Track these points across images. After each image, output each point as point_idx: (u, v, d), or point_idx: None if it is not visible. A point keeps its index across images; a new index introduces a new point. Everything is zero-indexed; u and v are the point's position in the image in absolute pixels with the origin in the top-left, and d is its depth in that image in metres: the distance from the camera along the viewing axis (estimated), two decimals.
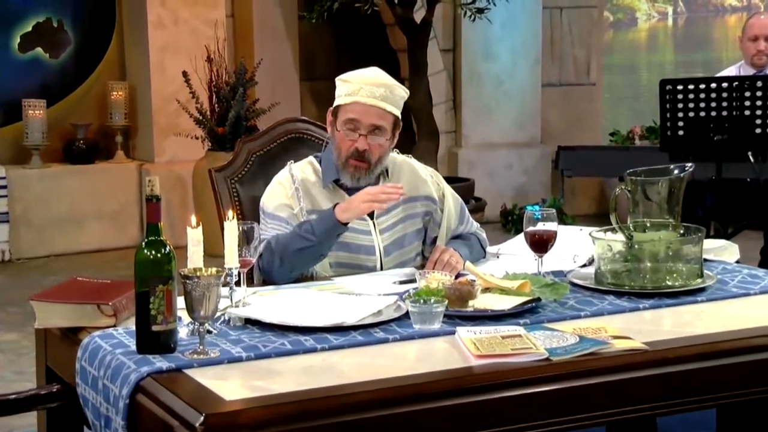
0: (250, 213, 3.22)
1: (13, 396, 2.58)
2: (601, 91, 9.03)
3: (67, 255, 7.36)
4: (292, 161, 3.14)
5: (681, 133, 5.12)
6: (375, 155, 3.02)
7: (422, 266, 3.05)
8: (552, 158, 8.63)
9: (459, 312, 2.47)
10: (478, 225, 3.31)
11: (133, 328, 2.28)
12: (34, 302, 2.53)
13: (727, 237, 4.92)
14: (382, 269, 3.05)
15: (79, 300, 2.49)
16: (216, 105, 7.17)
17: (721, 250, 3.14)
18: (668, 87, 5.12)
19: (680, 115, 5.11)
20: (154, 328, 2.22)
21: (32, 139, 7.42)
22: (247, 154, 3.36)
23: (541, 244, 2.81)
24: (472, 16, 6.92)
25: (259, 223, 2.84)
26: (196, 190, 7.10)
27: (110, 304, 2.46)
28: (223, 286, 2.33)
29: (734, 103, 5.03)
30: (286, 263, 2.93)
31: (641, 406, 2.23)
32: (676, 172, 2.80)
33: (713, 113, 5.06)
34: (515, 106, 8.58)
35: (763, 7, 9.26)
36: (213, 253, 2.51)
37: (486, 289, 2.60)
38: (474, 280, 2.60)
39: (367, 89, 3.00)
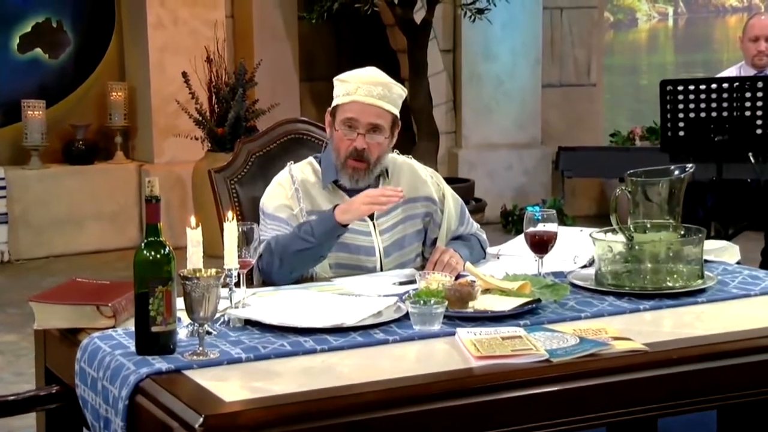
0: (249, 214, 3.21)
1: (12, 397, 2.57)
2: (601, 91, 9.03)
3: (67, 256, 7.36)
4: (292, 162, 3.13)
5: (681, 133, 5.12)
6: (374, 154, 3.02)
7: (422, 267, 3.05)
8: (552, 159, 8.63)
9: (459, 313, 2.47)
10: (479, 226, 3.30)
11: (133, 329, 2.28)
12: (33, 303, 2.52)
13: (728, 238, 4.92)
14: (382, 270, 3.05)
15: (79, 301, 2.49)
16: (215, 105, 7.17)
17: (722, 251, 3.14)
18: (669, 88, 5.12)
19: (681, 115, 5.11)
20: (154, 329, 2.22)
21: (31, 139, 7.42)
22: (247, 154, 3.36)
23: (541, 245, 2.80)
24: (472, 17, 6.92)
25: (258, 224, 2.84)
26: (195, 190, 7.10)
27: (109, 305, 2.46)
28: (223, 287, 2.32)
29: (735, 104, 5.03)
30: (286, 264, 2.93)
31: (641, 408, 2.23)
32: (676, 172, 2.80)
33: (714, 114, 5.06)
34: (515, 106, 8.58)
35: (764, 8, 9.26)
36: (212, 254, 2.51)
37: (486, 290, 2.60)
38: (474, 281, 2.59)
39: (364, 88, 2.99)
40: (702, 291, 2.70)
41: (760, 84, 5.03)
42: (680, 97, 5.09)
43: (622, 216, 2.80)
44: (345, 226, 2.91)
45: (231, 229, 2.50)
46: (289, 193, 3.05)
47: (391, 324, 2.44)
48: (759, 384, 2.33)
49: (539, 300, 2.56)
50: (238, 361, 2.20)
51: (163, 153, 7.66)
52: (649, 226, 2.77)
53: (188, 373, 2.14)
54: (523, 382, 2.13)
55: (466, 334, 2.31)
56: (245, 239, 2.60)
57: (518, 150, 8.58)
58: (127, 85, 7.79)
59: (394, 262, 3.08)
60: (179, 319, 2.29)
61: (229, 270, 2.46)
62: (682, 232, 2.78)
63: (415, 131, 7.07)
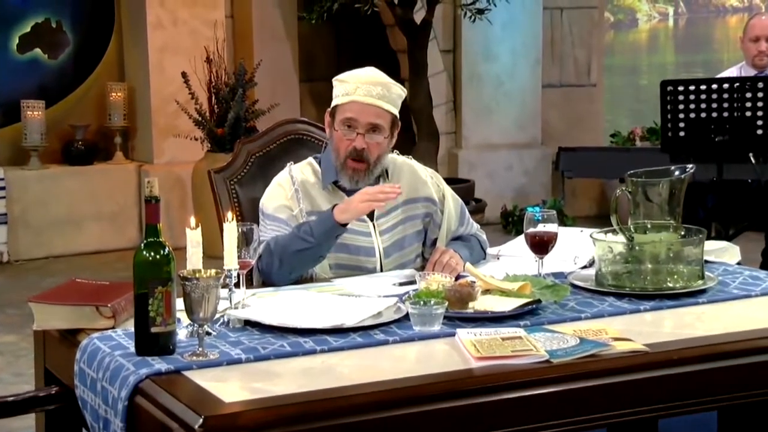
0: (249, 214, 3.21)
1: (12, 398, 2.57)
2: (601, 92, 9.03)
3: (66, 256, 7.36)
4: (292, 162, 3.13)
5: (682, 134, 5.12)
6: (373, 154, 3.01)
7: (422, 268, 3.04)
8: (552, 159, 8.63)
9: (459, 314, 2.46)
10: (479, 226, 3.30)
11: (132, 329, 2.28)
12: (33, 304, 2.52)
13: (728, 238, 4.92)
14: (381, 271, 3.05)
15: (78, 302, 2.49)
16: (215, 106, 7.17)
17: (722, 252, 3.14)
18: (669, 88, 5.12)
19: (681, 116, 5.11)
20: (153, 329, 2.22)
21: (31, 140, 7.42)
22: (247, 155, 3.36)
23: (541, 245, 2.80)
24: (473, 17, 6.92)
25: (258, 225, 2.84)
26: (195, 191, 7.10)
27: (109, 305, 2.45)
28: (223, 287, 2.32)
29: (735, 104, 5.03)
30: (286, 265, 2.93)
31: (642, 408, 2.23)
32: (677, 173, 2.80)
33: (714, 114, 5.06)
34: (515, 107, 8.57)
35: (765, 8, 9.26)
36: (212, 254, 2.50)
37: (486, 291, 2.60)
38: (474, 282, 2.59)
39: (363, 88, 2.99)
40: (702, 292, 2.70)
41: (760, 84, 5.04)
42: (681, 97, 5.10)
43: (623, 216, 2.79)
44: (344, 225, 2.91)
45: (231, 229, 2.50)
46: (289, 193, 3.04)
47: (391, 325, 2.43)
48: (760, 385, 2.33)
49: (539, 301, 2.55)
50: (238, 361, 2.20)
51: (163, 153, 7.65)
52: (649, 226, 2.77)
53: (188, 373, 2.14)
54: (523, 383, 2.13)
55: (466, 334, 2.30)
56: (245, 240, 2.59)
57: (518, 150, 8.58)
58: (126, 85, 7.79)
59: (394, 263, 3.08)
60: (179, 319, 2.28)
61: (229, 271, 2.46)
62: (683, 233, 2.78)
63: (415, 132, 7.07)
